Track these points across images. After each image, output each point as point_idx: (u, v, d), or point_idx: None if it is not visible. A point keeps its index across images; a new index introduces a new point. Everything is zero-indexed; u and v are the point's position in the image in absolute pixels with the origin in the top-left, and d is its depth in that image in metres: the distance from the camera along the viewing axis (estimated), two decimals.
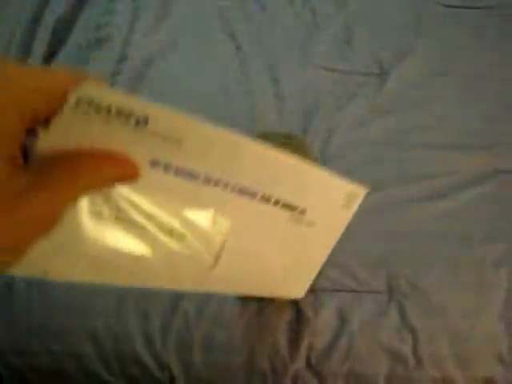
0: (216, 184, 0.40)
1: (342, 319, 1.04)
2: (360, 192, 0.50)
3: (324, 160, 1.21)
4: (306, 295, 1.03)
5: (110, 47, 1.40)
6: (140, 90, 1.33)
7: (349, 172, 1.18)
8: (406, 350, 1.01)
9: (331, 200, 0.49)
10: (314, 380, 1.01)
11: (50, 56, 1.41)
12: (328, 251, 0.54)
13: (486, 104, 1.32)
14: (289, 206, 0.46)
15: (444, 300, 1.04)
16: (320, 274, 1.06)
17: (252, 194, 0.43)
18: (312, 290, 1.07)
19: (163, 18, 1.47)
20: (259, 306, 1.07)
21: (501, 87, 1.34)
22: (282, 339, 1.03)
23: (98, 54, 1.40)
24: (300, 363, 1.01)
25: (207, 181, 0.40)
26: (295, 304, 1.06)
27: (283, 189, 0.45)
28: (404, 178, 1.20)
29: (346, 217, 0.51)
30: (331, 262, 1.10)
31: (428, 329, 1.02)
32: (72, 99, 0.30)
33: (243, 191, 0.42)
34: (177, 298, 1.04)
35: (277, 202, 0.45)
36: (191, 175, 0.39)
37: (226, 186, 0.41)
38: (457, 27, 1.49)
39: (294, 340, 1.03)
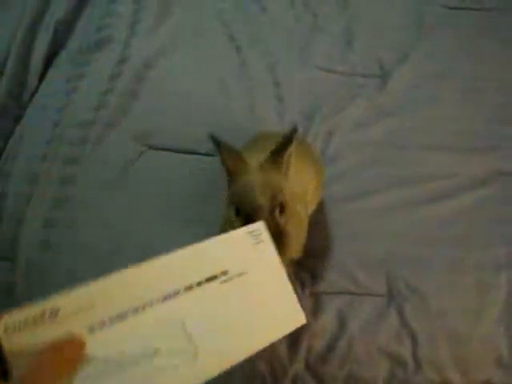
0: (143, 308, 0.52)
1: (342, 322, 1.03)
2: (259, 224, 0.61)
3: (324, 161, 1.19)
4: (307, 298, 1.03)
5: (111, 49, 1.40)
6: (140, 91, 1.33)
7: (349, 173, 1.17)
8: (406, 353, 1.00)
9: (242, 248, 0.60)
10: (313, 383, 1.00)
11: (50, 57, 1.41)
12: (284, 277, 0.60)
13: (487, 106, 1.31)
14: (211, 278, 0.57)
15: (444, 303, 1.03)
16: (320, 276, 1.07)
17: (176, 292, 0.54)
18: (311, 293, 1.06)
19: (163, 19, 1.47)
20: None
21: (502, 89, 1.33)
22: (281, 342, 1.02)
23: (98, 55, 1.40)
24: (299, 366, 1.00)
25: (135, 311, 0.51)
26: None
27: (194, 272, 0.56)
28: (405, 179, 1.19)
29: (267, 248, 0.60)
30: (331, 265, 1.09)
31: (427, 332, 1.01)
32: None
33: (167, 296, 0.54)
34: None
35: (199, 283, 0.56)
36: (121, 316, 0.50)
37: (151, 303, 0.52)
38: (458, 29, 1.48)
39: (293, 343, 1.02)
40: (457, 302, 1.03)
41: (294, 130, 0.77)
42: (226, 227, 0.76)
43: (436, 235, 1.11)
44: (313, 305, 1.05)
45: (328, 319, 1.04)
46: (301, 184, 0.90)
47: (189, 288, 0.57)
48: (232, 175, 0.78)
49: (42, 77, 1.38)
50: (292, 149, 0.77)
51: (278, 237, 0.68)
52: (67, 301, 0.50)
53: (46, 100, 1.34)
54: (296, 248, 0.82)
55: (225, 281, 0.59)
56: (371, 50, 1.44)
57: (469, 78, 1.36)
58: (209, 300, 0.57)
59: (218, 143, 0.78)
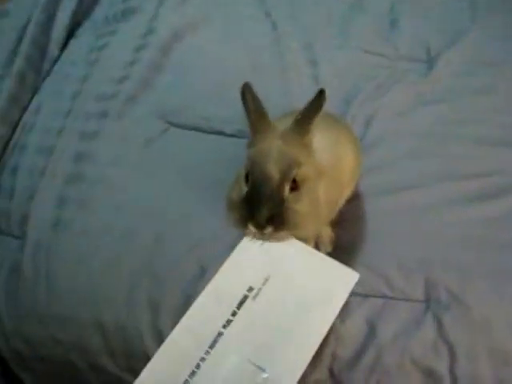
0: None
1: (371, 328, 0.91)
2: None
3: (362, 149, 1.08)
4: None
5: (138, 19, 1.30)
6: (166, 64, 1.22)
7: (388, 164, 1.05)
8: (442, 367, 0.88)
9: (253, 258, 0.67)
10: None
11: (74, 27, 1.32)
12: (312, 252, 0.69)
13: None
14: (242, 301, 0.64)
15: (488, 314, 0.90)
16: None
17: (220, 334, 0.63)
18: None
19: None
20: None
21: None
22: None
23: (124, 26, 1.30)
24: (321, 374, 0.89)
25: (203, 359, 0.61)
26: None
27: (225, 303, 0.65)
28: (449, 175, 1.06)
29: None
30: (363, 263, 0.97)
31: (468, 345, 0.88)
32: None
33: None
34: (190, 293, 0.94)
35: (234, 313, 0.63)
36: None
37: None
38: None
39: (318, 348, 0.91)
40: (503, 315, 0.90)
41: (322, 92, 0.69)
42: (234, 187, 0.73)
43: (483, 238, 0.98)
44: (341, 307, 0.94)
45: (356, 324, 0.92)
46: (333, 159, 0.80)
47: (228, 322, 0.61)
48: (253, 134, 0.73)
49: (63, 47, 1.29)
50: (319, 115, 0.69)
51: (282, 215, 0.66)
52: None
53: (67, 70, 1.26)
54: (306, 229, 0.73)
55: (255, 295, 0.62)
56: (418, 32, 1.31)
57: None
58: (251, 321, 0.61)
59: (244, 91, 0.73)
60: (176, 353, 0.62)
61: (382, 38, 1.30)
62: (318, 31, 1.30)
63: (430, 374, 0.88)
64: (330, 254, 0.96)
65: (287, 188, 0.68)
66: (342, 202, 0.91)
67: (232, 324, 0.61)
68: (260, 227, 0.67)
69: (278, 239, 0.69)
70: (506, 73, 1.22)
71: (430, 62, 1.25)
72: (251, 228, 0.67)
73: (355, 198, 1.00)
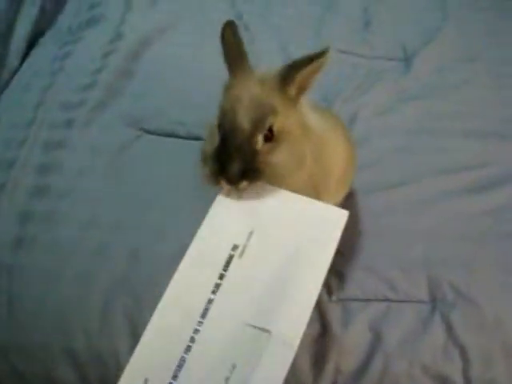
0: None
1: (376, 335, 0.83)
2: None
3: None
4: (333, 306, 0.82)
5: (104, 26, 1.21)
6: (136, 70, 1.14)
7: (377, 161, 0.97)
8: (455, 371, 0.80)
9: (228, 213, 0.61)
10: None
11: (36, 36, 1.22)
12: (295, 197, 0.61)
13: None
14: (228, 261, 0.58)
15: (500, 310, 0.83)
16: (349, 280, 0.86)
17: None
18: (339, 300, 0.86)
19: None
20: None
21: None
22: (304, 360, 0.81)
23: (89, 33, 1.21)
24: None
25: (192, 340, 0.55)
26: (320, 317, 0.84)
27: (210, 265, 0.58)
28: (440, 168, 1.01)
29: None
30: (362, 266, 0.89)
31: (481, 347, 0.81)
32: None
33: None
34: None
35: (221, 276, 0.57)
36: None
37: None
38: (483, 13, 1.32)
39: (318, 361, 0.81)
40: None
41: (326, 49, 0.62)
42: (207, 139, 0.65)
43: (483, 230, 0.92)
44: (341, 314, 0.85)
45: (360, 331, 0.83)
46: (322, 142, 0.71)
47: (217, 286, 0.55)
48: (230, 77, 0.65)
49: (24, 57, 1.19)
50: (311, 71, 0.62)
51: (255, 167, 0.59)
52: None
53: (28, 80, 1.15)
54: (288, 182, 0.64)
55: (241, 253, 0.56)
56: (392, 32, 1.29)
57: (499, 62, 1.21)
58: (241, 282, 0.55)
59: (226, 28, 0.66)
60: (166, 329, 0.55)
61: (358, 38, 1.27)
62: (292, 33, 1.26)
63: (442, 381, 0.80)
64: None
65: (260, 138, 0.60)
66: (330, 195, 0.82)
67: (221, 288, 0.55)
68: (232, 182, 0.59)
69: (255, 194, 0.62)
70: (484, 67, 1.20)
71: (408, 60, 1.22)
72: (224, 184, 0.60)
73: (349, 197, 0.92)
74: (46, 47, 1.23)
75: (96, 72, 1.12)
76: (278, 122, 0.61)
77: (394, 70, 1.20)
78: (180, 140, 1.05)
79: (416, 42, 1.25)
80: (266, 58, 1.18)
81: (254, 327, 0.53)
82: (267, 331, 0.52)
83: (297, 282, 0.55)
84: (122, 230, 0.91)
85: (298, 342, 0.52)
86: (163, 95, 1.10)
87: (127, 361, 0.78)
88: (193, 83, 1.12)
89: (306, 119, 0.67)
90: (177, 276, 0.58)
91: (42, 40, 1.24)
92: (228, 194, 0.62)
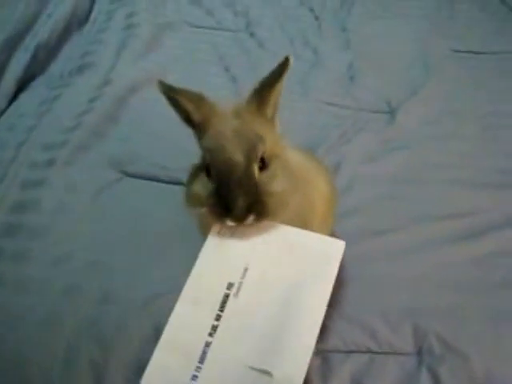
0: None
1: None
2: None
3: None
4: (312, 358, 0.76)
5: (94, 72, 1.22)
6: (121, 115, 1.13)
7: (362, 208, 0.93)
8: None
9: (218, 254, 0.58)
10: None
11: (27, 80, 1.23)
12: (294, 231, 0.59)
13: (510, 143, 1.13)
14: (224, 301, 0.55)
15: (491, 365, 0.77)
16: (330, 330, 0.80)
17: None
18: (319, 351, 0.80)
19: (153, 47, 1.31)
20: None
21: None
22: None
23: (80, 78, 1.22)
24: None
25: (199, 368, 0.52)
26: None
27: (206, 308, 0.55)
28: (425, 217, 0.98)
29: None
30: (343, 314, 0.84)
31: None
32: None
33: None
34: (141, 360, 0.74)
35: (218, 317, 0.54)
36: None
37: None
38: (467, 70, 1.35)
39: None
40: (508, 365, 0.77)
41: (287, 59, 0.61)
42: (193, 182, 0.62)
43: (471, 279, 0.88)
44: (320, 366, 0.78)
45: None
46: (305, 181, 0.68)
47: (214, 328, 0.53)
48: (199, 125, 0.62)
49: (12, 100, 1.19)
50: (281, 86, 0.61)
51: (259, 199, 0.57)
52: None
53: (14, 121, 1.14)
54: (284, 210, 0.61)
55: (237, 291, 0.54)
56: (377, 86, 1.30)
57: (486, 115, 1.21)
58: (239, 322, 0.52)
59: (169, 88, 0.63)
60: (163, 376, 0.51)
61: (343, 91, 1.27)
62: None
63: None
64: None
65: (256, 168, 0.58)
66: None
67: (219, 330, 0.52)
68: (240, 219, 0.56)
69: (260, 229, 0.59)
70: (470, 120, 1.20)
71: (392, 112, 1.23)
72: (230, 223, 0.57)
73: None
74: (36, 90, 1.23)
75: (81, 114, 1.12)
76: (268, 148, 0.59)
77: (379, 121, 1.20)
78: (161, 184, 1.03)
79: (400, 95, 1.26)
80: None
81: (255, 370, 0.50)
82: (269, 373, 0.50)
83: (296, 320, 0.52)
84: (94, 272, 0.87)
85: (301, 381, 0.49)
86: (147, 140, 1.09)
87: None
88: (177, 129, 1.11)
89: (284, 151, 0.65)
90: (172, 318, 0.55)
91: (32, 84, 1.25)
92: (220, 232, 0.59)
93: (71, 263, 0.88)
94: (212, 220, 0.59)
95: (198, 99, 0.63)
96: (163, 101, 1.17)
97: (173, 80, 1.26)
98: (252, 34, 1.43)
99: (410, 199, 1.02)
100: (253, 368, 0.51)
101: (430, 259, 0.91)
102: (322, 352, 0.79)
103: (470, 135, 1.16)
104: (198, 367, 0.51)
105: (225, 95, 1.21)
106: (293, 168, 0.63)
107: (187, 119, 0.64)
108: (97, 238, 0.92)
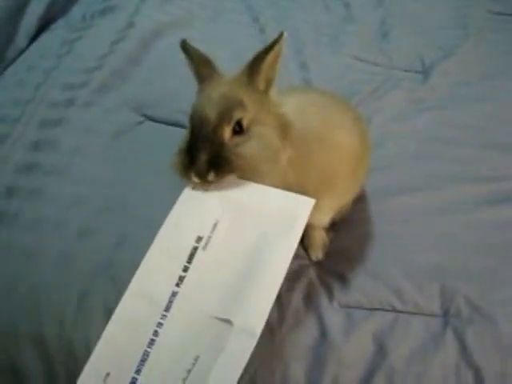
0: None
1: (380, 348, 0.72)
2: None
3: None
4: (334, 312, 0.72)
5: (117, 16, 1.17)
6: (144, 58, 1.08)
7: (392, 165, 0.87)
8: None
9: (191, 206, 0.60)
10: None
11: (49, 21, 1.18)
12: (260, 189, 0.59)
13: None
14: (192, 254, 0.56)
15: None
16: (354, 286, 0.76)
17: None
18: (341, 306, 0.76)
19: None
20: (267, 323, 0.75)
21: None
22: (298, 369, 0.70)
23: (102, 21, 1.17)
24: None
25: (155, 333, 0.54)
26: (318, 322, 0.74)
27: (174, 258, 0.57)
28: (457, 178, 0.92)
29: None
30: (368, 271, 0.80)
31: (497, 368, 0.70)
32: None
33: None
34: None
35: (185, 268, 0.56)
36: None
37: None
38: (505, 33, 1.27)
39: (314, 371, 0.70)
40: None
41: (280, 36, 0.63)
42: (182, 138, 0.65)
43: (501, 242, 0.82)
44: (343, 322, 0.74)
45: (362, 342, 0.73)
46: (330, 131, 0.70)
47: (181, 279, 0.54)
48: (200, 85, 0.67)
49: (33, 40, 1.15)
50: (274, 58, 0.63)
51: (222, 158, 0.59)
52: None
53: (34, 61, 1.10)
54: (258, 174, 0.63)
55: (205, 244, 0.55)
56: (410, 45, 1.24)
57: None
58: (205, 274, 0.54)
59: (186, 48, 0.68)
60: (129, 322, 0.53)
61: (375, 47, 1.21)
62: (308, 38, 1.21)
63: None
64: (325, 262, 0.80)
65: (228, 130, 0.60)
66: (332, 197, 0.75)
67: (185, 280, 0.54)
68: (200, 173, 0.59)
69: (223, 187, 0.61)
70: (504, 86, 1.13)
71: (426, 72, 1.17)
72: (194, 178, 0.60)
73: (359, 200, 0.84)
74: (57, 32, 1.18)
75: (103, 56, 1.07)
76: (248, 117, 0.61)
77: (411, 80, 1.13)
78: (182, 130, 0.98)
79: (435, 55, 1.19)
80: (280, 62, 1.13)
81: (217, 319, 0.52)
82: (229, 322, 0.51)
83: (260, 272, 0.54)
84: (110, 214, 0.83)
85: (259, 330, 0.50)
86: (169, 84, 1.04)
87: None
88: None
89: (285, 117, 0.66)
90: (143, 265, 0.56)
91: (53, 25, 1.20)
92: (195, 187, 0.61)
93: (87, 205, 0.84)
94: (178, 174, 0.62)
95: (205, 63, 0.67)
96: None
97: (198, 26, 1.22)
98: None
99: (440, 159, 0.96)
100: (215, 317, 0.52)
101: (460, 220, 0.86)
102: (344, 307, 0.75)
103: (504, 99, 1.09)
104: (164, 315, 0.53)
105: (252, 46, 1.15)
106: (282, 139, 0.64)
107: (196, 76, 0.69)
108: (114, 181, 0.88)
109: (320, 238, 0.83)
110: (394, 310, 0.76)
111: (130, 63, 1.07)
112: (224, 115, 0.60)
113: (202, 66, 0.67)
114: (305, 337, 0.74)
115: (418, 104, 1.07)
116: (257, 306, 0.51)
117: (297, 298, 0.76)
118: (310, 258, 0.82)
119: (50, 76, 1.04)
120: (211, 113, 0.60)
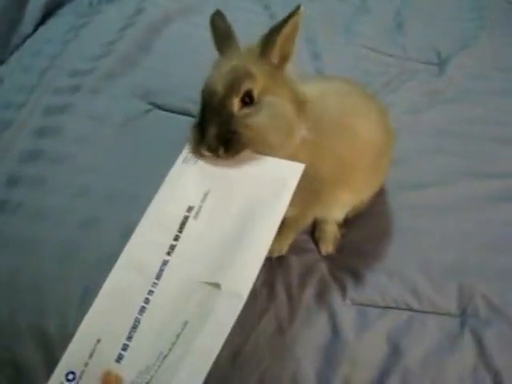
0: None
1: (395, 348, 0.69)
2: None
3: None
4: (346, 310, 0.69)
5: (125, 2, 1.13)
6: (154, 44, 1.04)
7: (407, 159, 0.82)
8: None
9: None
10: None
11: (55, 6, 1.14)
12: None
13: None
14: (183, 223, 0.56)
15: None
16: (368, 283, 0.73)
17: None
18: (354, 304, 0.72)
19: None
20: (277, 320, 0.72)
21: None
22: (309, 368, 0.67)
23: (110, 6, 1.13)
24: None
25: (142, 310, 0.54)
26: (330, 319, 0.71)
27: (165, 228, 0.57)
28: (475, 173, 0.89)
29: None
30: (383, 268, 0.76)
31: None
32: None
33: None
34: None
35: (176, 237, 0.55)
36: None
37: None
38: None
39: (326, 371, 0.67)
40: None
41: (297, 8, 0.57)
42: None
43: None
44: (356, 320, 0.71)
45: (376, 342, 0.70)
46: (351, 120, 0.68)
47: (172, 248, 0.54)
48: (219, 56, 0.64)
49: (39, 25, 1.11)
50: (290, 31, 0.58)
51: (232, 131, 0.56)
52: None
53: (39, 47, 1.06)
54: (269, 146, 0.59)
55: (196, 214, 0.55)
56: (425, 36, 1.20)
57: None
58: (196, 243, 0.54)
59: (212, 19, 0.65)
60: (120, 290, 0.53)
61: (389, 38, 1.17)
62: (320, 27, 1.17)
63: None
64: (338, 257, 0.76)
65: (236, 102, 0.57)
66: (352, 191, 0.71)
67: (176, 249, 0.54)
68: (211, 149, 0.56)
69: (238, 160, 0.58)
70: None
71: (441, 64, 1.12)
72: (205, 153, 0.57)
73: (376, 194, 0.80)
74: (63, 17, 1.14)
75: (111, 43, 1.03)
76: (258, 88, 0.58)
77: (427, 72, 1.10)
78: (190, 118, 0.94)
79: (450, 47, 1.15)
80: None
81: (206, 283, 0.52)
82: (217, 285, 0.51)
83: (248, 237, 0.53)
84: (115, 205, 0.80)
85: (246, 292, 0.50)
86: (179, 72, 1.00)
87: None
88: (209, 64, 1.03)
89: (302, 95, 0.63)
90: (133, 238, 0.56)
91: (60, 11, 1.16)
92: (185, 158, 0.60)
93: (92, 195, 0.81)
94: (191, 149, 0.60)
95: (226, 37, 0.65)
96: (196, 34, 1.09)
97: (207, 13, 1.17)
98: None
99: (455, 154, 0.93)
100: (204, 282, 0.52)
101: (476, 217, 0.82)
102: (358, 304, 0.72)
103: None
104: (155, 283, 0.53)
105: (261, 31, 1.12)
106: (297, 114, 0.61)
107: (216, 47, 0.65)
108: (119, 171, 0.84)
109: (331, 231, 0.79)
110: (410, 309, 0.72)
111: (138, 50, 1.03)
112: (232, 86, 0.57)
113: (222, 40, 0.64)
114: (316, 335, 0.70)
115: (433, 97, 1.03)
116: (244, 269, 0.51)
117: (308, 294, 0.73)
118: (320, 252, 0.79)
119: (55, 62, 1.00)
120: (220, 85, 0.58)
